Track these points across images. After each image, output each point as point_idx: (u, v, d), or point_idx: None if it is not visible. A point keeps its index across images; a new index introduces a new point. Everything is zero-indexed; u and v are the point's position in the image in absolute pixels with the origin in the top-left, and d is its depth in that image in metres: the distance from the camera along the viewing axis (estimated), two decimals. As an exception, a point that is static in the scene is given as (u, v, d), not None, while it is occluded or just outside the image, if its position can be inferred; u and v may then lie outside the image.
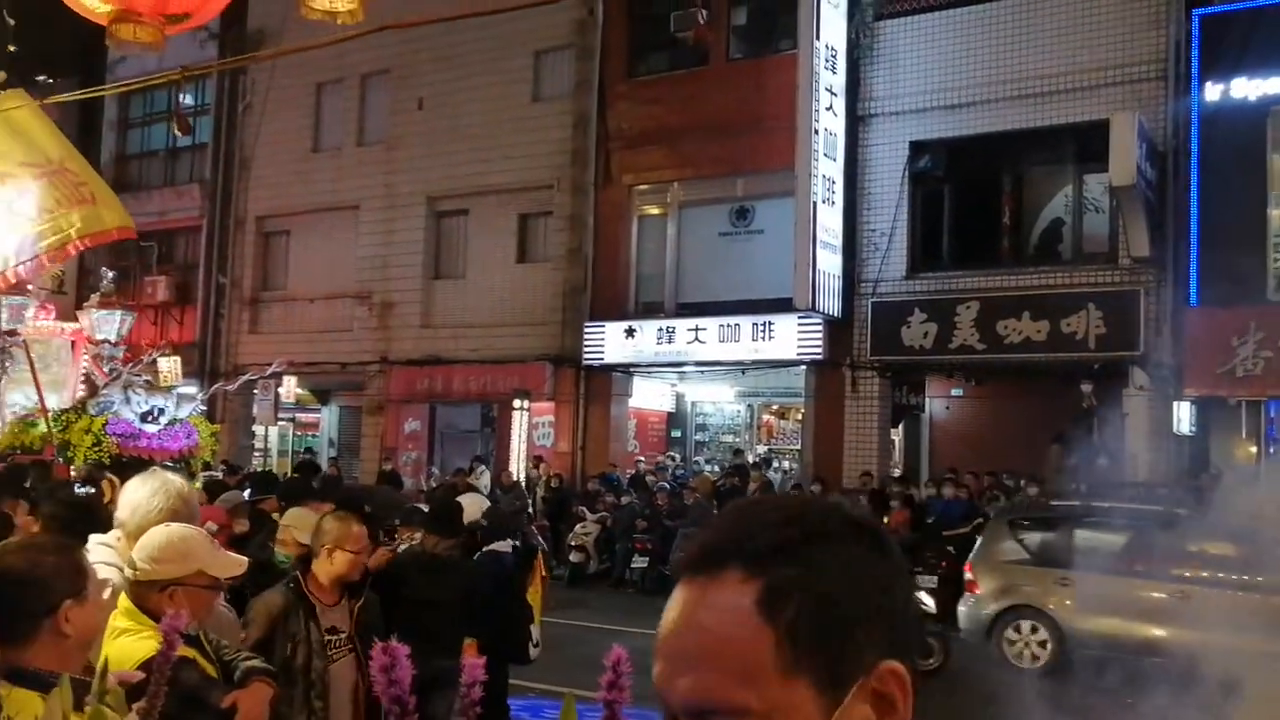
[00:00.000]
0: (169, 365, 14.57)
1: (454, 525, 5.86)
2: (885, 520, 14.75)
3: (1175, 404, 14.43)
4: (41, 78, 25.26)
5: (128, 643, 2.80)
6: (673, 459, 19.76)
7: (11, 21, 4.36)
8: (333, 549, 4.22)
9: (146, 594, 2.94)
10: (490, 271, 20.49)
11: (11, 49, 4.33)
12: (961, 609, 10.92)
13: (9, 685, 2.18)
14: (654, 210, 19.23)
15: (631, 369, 18.86)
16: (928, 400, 17.99)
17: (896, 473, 16.77)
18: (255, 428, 22.82)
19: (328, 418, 23.93)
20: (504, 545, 6.83)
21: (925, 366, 16.79)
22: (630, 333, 18.25)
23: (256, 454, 23.33)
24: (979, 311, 15.55)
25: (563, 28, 19.54)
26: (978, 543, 11.60)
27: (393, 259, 21.47)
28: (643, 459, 19.35)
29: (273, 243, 23.95)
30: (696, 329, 17.62)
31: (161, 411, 13.56)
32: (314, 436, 24.15)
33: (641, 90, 18.90)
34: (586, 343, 18.72)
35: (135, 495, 3.42)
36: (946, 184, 16.74)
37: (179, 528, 3.10)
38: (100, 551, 3.38)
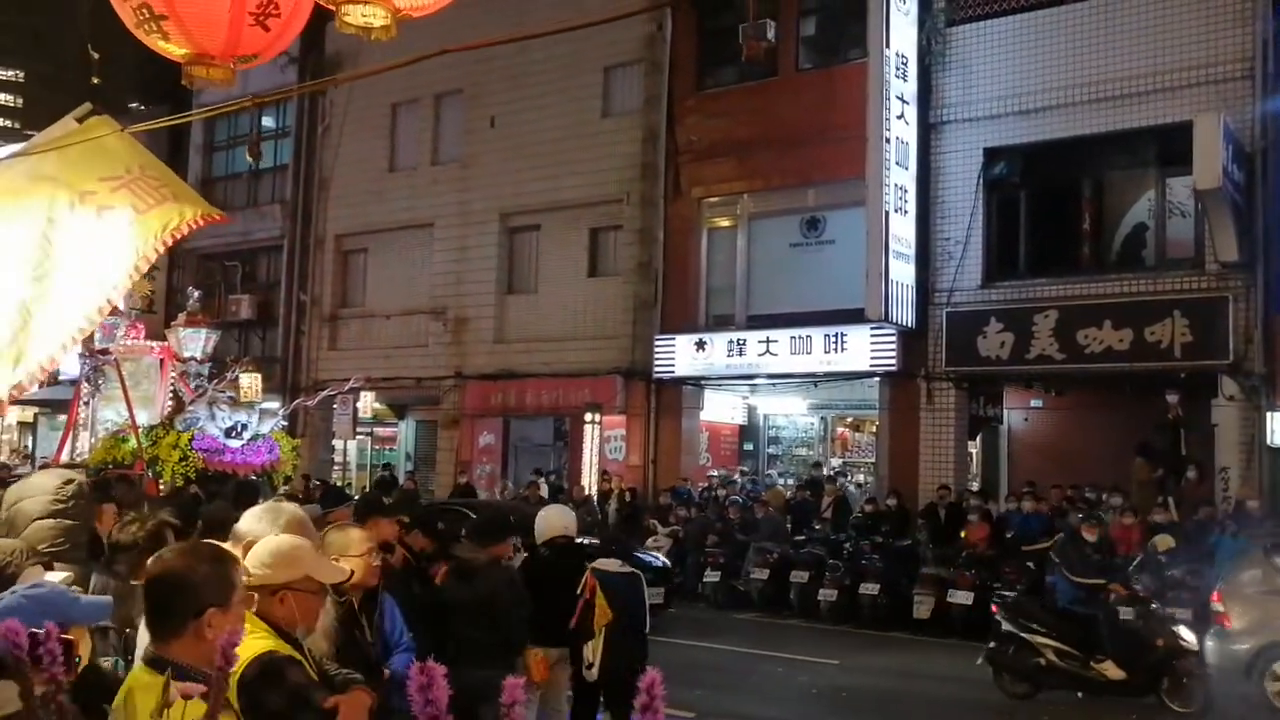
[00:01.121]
0: (249, 381, 14.91)
1: (489, 535, 5.91)
2: (963, 534, 14.52)
3: (1268, 414, 13.95)
4: (134, 104, 26.23)
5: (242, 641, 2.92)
6: (743, 472, 19.67)
7: (95, 55, 4.57)
8: (337, 560, 4.30)
9: (258, 599, 3.06)
10: (562, 286, 20.64)
11: (95, 81, 4.52)
12: (1209, 644, 9.76)
13: (151, 672, 2.38)
14: (724, 222, 19.21)
15: (702, 382, 18.83)
16: (1006, 412, 17.64)
17: (974, 486, 16.47)
18: (334, 442, 23.29)
19: (405, 432, 24.30)
20: (611, 563, 6.88)
21: (1002, 377, 16.48)
22: (701, 345, 18.22)
23: (336, 467, 23.81)
24: (1058, 320, 15.22)
25: (632, 43, 19.67)
26: (1226, 569, 10.53)
27: (466, 275, 21.76)
28: (715, 472, 19.30)
29: (351, 261, 24.44)
30: (767, 341, 17.53)
31: (245, 427, 13.86)
32: (391, 451, 24.54)
33: (710, 103, 18.91)
34: (657, 356, 18.75)
35: (252, 526, 3.54)
36: (1022, 190, 16.45)
37: (288, 537, 3.30)
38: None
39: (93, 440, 14.18)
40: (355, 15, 3.21)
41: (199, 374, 14.79)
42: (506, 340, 21.17)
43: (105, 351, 14.12)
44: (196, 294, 16.13)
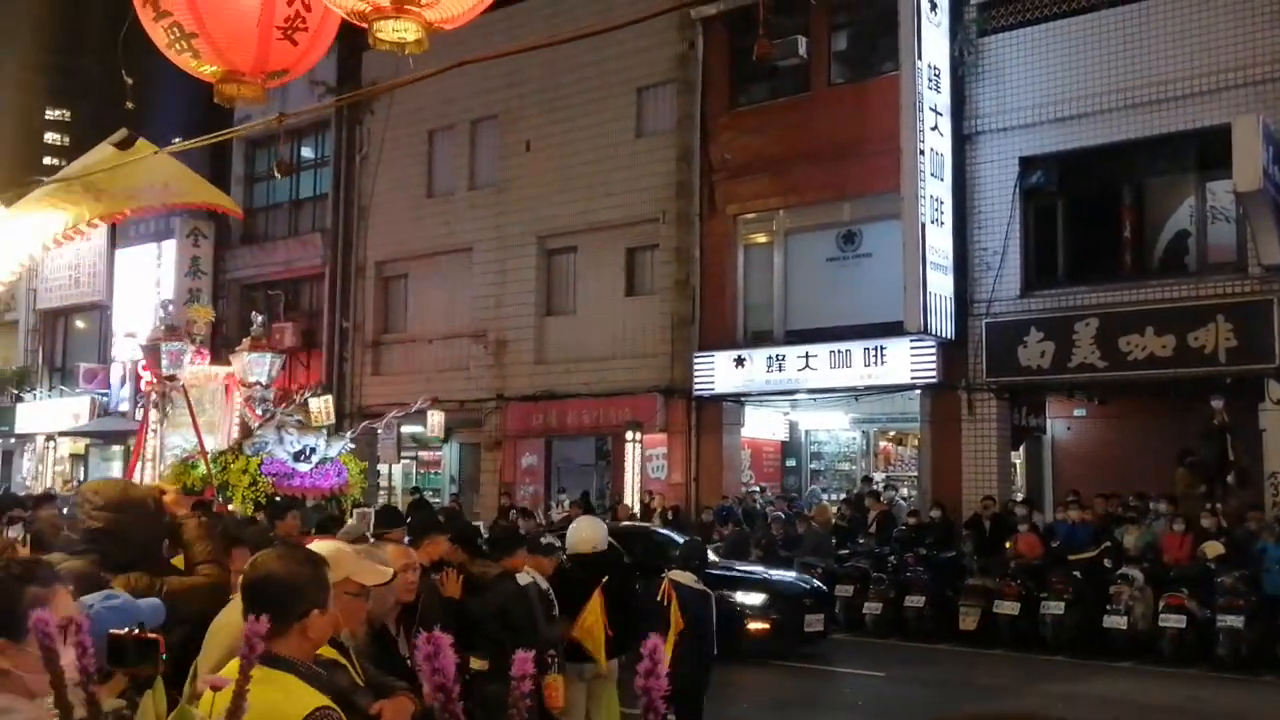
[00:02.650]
0: (319, 405, 14.93)
1: (502, 547, 6.00)
2: (1009, 545, 14.37)
3: (1317, 418, 13.71)
4: (176, 140, 26.78)
5: None
6: (762, 489, 19.52)
7: (129, 80, 4.69)
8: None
9: None
10: (600, 306, 20.75)
11: (129, 105, 4.66)
12: None
13: (258, 665, 2.41)
14: (760, 239, 19.23)
15: (742, 398, 18.82)
16: (1049, 421, 17.45)
17: (1019, 496, 16.29)
18: (379, 466, 23.47)
19: (449, 455, 24.46)
20: (687, 576, 6.91)
21: (1044, 387, 16.32)
22: (739, 362, 18.22)
23: (381, 491, 23.99)
24: (1099, 328, 15.07)
25: (663, 63, 19.82)
26: None
27: (506, 298, 21.94)
28: (756, 488, 19.25)
29: (392, 287, 24.72)
30: (807, 356, 17.50)
31: (313, 450, 13.81)
32: (436, 474, 24.71)
33: (744, 120, 18.99)
34: (696, 373, 18.77)
35: None
36: (1059, 198, 16.34)
37: (327, 542, 3.42)
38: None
39: (162, 467, 14.18)
40: (388, 31, 3.27)
41: (263, 399, 14.78)
42: (547, 361, 21.29)
43: (173, 378, 14.11)
44: (260, 319, 16.08)
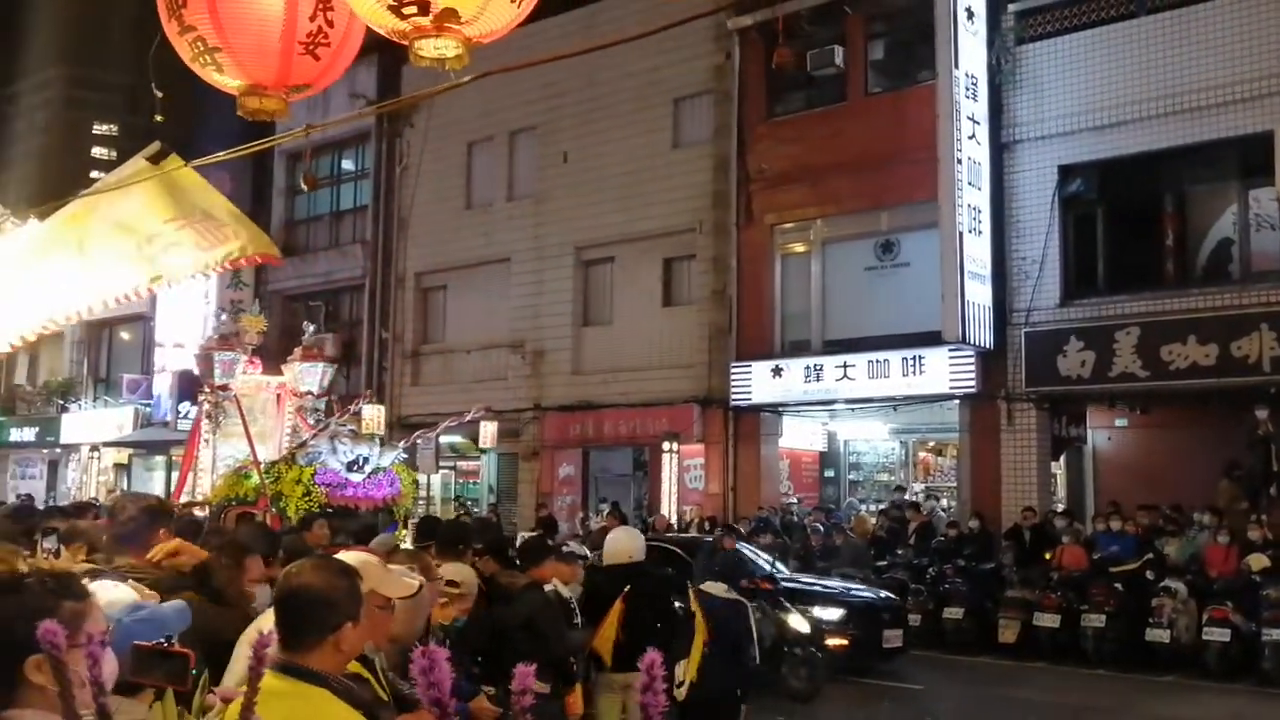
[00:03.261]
0: (373, 413, 14.72)
1: (530, 557, 6.05)
2: (1049, 557, 14.21)
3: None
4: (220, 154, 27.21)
5: None
6: (800, 500, 19.40)
7: (159, 94, 4.79)
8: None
9: None
10: (637, 316, 20.80)
11: (158, 118, 4.77)
12: None
13: (282, 678, 2.49)
14: (797, 248, 19.19)
15: (780, 409, 18.76)
16: (1089, 431, 17.23)
17: (1059, 507, 16.10)
18: (419, 476, 23.60)
19: (487, 465, 24.59)
20: (718, 587, 6.94)
21: (1084, 396, 16.13)
22: (777, 372, 18.18)
23: (420, 502, 24.12)
24: (1140, 337, 14.88)
25: (700, 74, 19.86)
26: None
27: (543, 308, 22.05)
28: (794, 500, 19.17)
29: (431, 297, 24.93)
30: (845, 366, 17.43)
31: (366, 460, 13.65)
32: (474, 484, 24.84)
33: (780, 130, 18.97)
34: (734, 383, 18.74)
35: None
36: (1099, 206, 16.17)
37: (353, 554, 3.35)
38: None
39: (214, 478, 14.07)
40: (429, 49, 3.31)
41: (315, 409, 14.67)
42: (584, 372, 21.36)
43: (225, 387, 14.03)
44: (312, 328, 16.00)
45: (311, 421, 14.41)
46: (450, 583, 4.93)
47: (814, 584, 13.14)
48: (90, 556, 4.28)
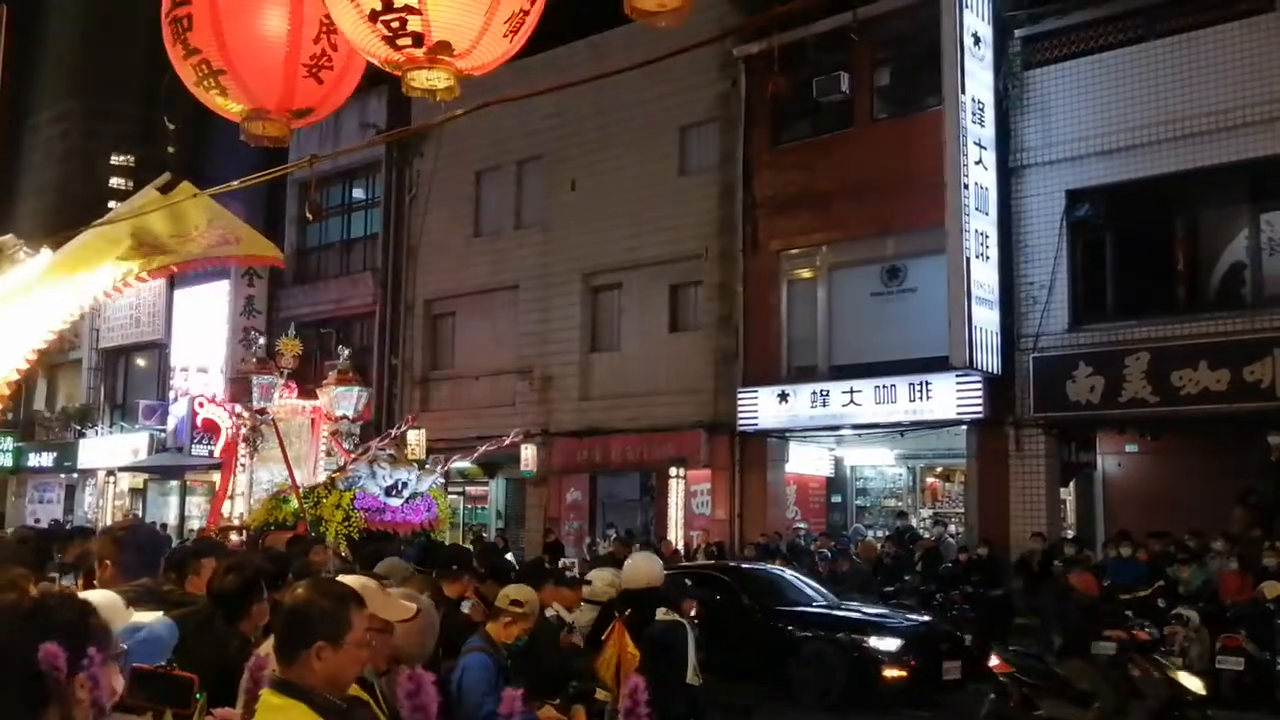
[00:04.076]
0: (417, 438, 14.58)
1: (529, 581, 6.09)
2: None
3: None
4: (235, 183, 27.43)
5: None
6: (806, 525, 19.30)
7: (171, 126, 4.85)
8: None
9: None
10: (644, 342, 20.81)
11: (170, 149, 4.81)
12: None
13: (276, 694, 2.56)
14: (804, 274, 19.19)
15: (787, 434, 18.71)
16: (1099, 457, 17.13)
17: (1069, 534, 15.99)
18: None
19: (495, 490, 24.56)
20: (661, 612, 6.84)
21: (1094, 422, 16.05)
22: (784, 397, 18.14)
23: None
24: (1150, 362, 14.82)
25: (706, 102, 19.96)
26: None
27: (551, 334, 22.08)
28: (801, 525, 19.08)
29: (440, 324, 25.00)
30: (851, 391, 17.38)
31: (405, 485, 13.42)
32: (483, 509, 24.81)
33: (786, 156, 19.02)
34: (740, 409, 18.70)
35: None
36: (1108, 232, 16.14)
37: (355, 577, 3.46)
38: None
39: (252, 502, 13.87)
40: (420, 79, 3.35)
41: (350, 433, 14.42)
42: (591, 397, 21.36)
43: (263, 411, 13.88)
44: (346, 352, 15.80)
45: (347, 446, 14.13)
46: (515, 602, 5.00)
47: (868, 612, 12.60)
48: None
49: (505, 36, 3.23)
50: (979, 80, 16.18)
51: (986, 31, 16.39)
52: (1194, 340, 14.68)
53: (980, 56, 16.25)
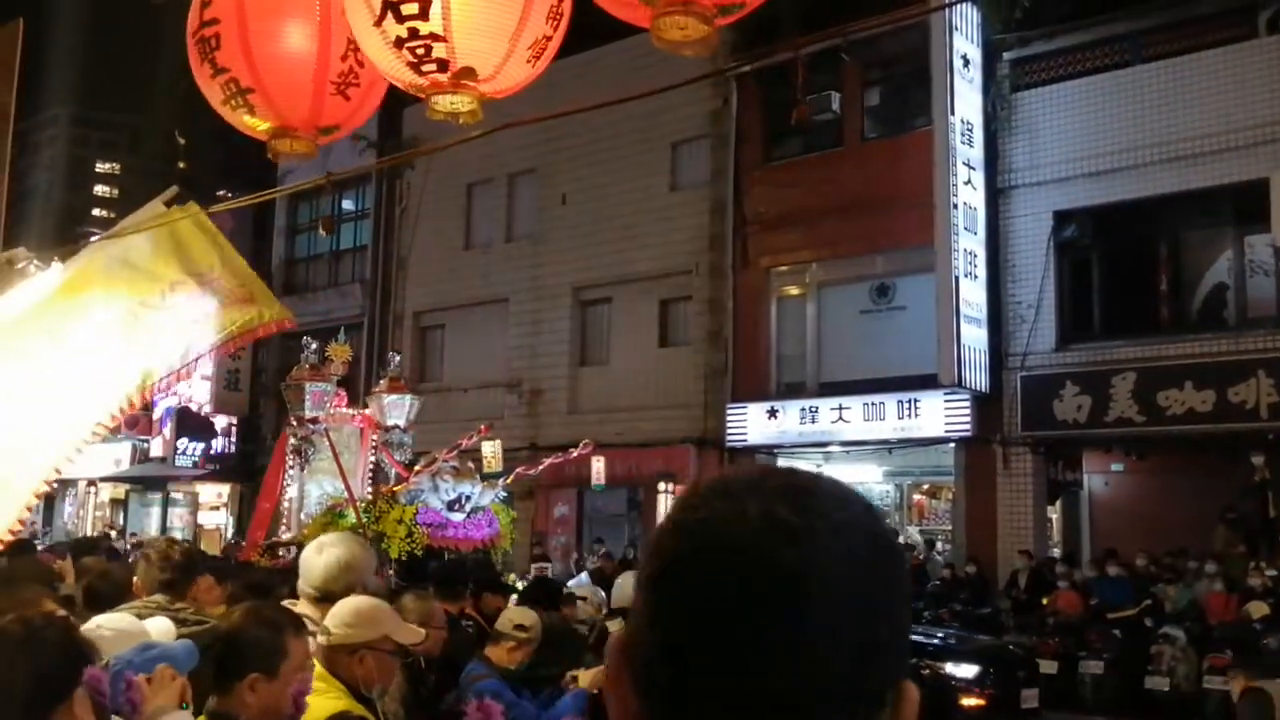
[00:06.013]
0: (492, 449, 13.94)
1: (528, 600, 6.10)
2: (1048, 602, 14.16)
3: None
4: (221, 192, 27.36)
5: (316, 700, 3.01)
6: None
7: (182, 141, 4.84)
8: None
9: (337, 658, 3.17)
10: (633, 357, 20.85)
11: (181, 165, 4.80)
12: None
13: None
14: (793, 291, 19.29)
15: (775, 450, 18.76)
16: (1086, 476, 17.26)
17: (1056, 552, 16.08)
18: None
19: (481, 505, 24.48)
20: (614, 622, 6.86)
21: (1080, 441, 16.17)
22: (773, 413, 18.21)
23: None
24: (1136, 382, 14.95)
25: (698, 119, 20.06)
26: None
27: (540, 348, 22.10)
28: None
29: (429, 337, 24.97)
30: (840, 408, 17.47)
31: (467, 499, 12.63)
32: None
33: (777, 174, 19.14)
34: (729, 425, 18.76)
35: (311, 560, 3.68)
36: (1094, 252, 16.30)
37: (367, 599, 3.39)
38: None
39: (303, 516, 13.01)
40: (444, 103, 3.38)
41: (401, 443, 13.81)
42: (580, 411, 21.36)
43: (315, 420, 12.83)
44: (397, 358, 15.29)
45: (398, 458, 13.46)
46: (519, 626, 4.92)
47: (941, 638, 12.24)
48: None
49: (529, 62, 3.28)
50: (968, 101, 16.35)
51: (975, 54, 16.56)
52: (1180, 361, 14.83)
53: (969, 78, 16.42)
